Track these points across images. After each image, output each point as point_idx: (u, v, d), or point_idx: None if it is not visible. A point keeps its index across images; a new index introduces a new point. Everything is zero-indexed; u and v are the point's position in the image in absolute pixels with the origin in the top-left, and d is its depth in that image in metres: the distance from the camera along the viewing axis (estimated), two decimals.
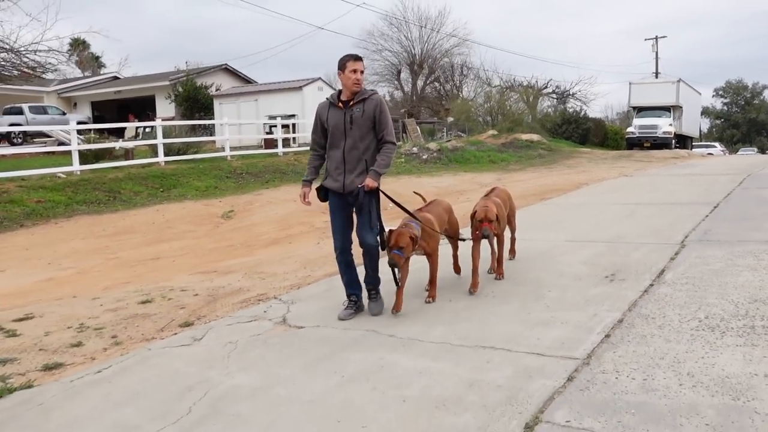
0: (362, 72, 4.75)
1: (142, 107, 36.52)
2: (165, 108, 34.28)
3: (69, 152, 21.76)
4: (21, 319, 5.71)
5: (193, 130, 23.68)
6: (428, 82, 51.94)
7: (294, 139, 26.44)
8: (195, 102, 32.59)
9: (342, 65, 4.75)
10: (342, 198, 4.80)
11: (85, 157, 17.20)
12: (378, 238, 4.82)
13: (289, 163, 20.66)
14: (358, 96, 4.75)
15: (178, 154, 19.37)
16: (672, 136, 33.56)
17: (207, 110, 32.50)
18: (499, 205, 5.73)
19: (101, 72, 48.65)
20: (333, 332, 4.67)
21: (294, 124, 27.04)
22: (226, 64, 37.56)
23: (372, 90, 4.89)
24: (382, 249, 4.85)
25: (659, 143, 32.63)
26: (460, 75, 50.92)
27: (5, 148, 25.46)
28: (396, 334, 4.51)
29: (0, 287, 7.72)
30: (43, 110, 31.10)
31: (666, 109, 35.15)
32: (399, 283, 4.95)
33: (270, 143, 24.10)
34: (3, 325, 5.51)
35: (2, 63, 23.43)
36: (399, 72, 51.26)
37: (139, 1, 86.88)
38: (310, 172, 5.01)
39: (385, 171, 4.77)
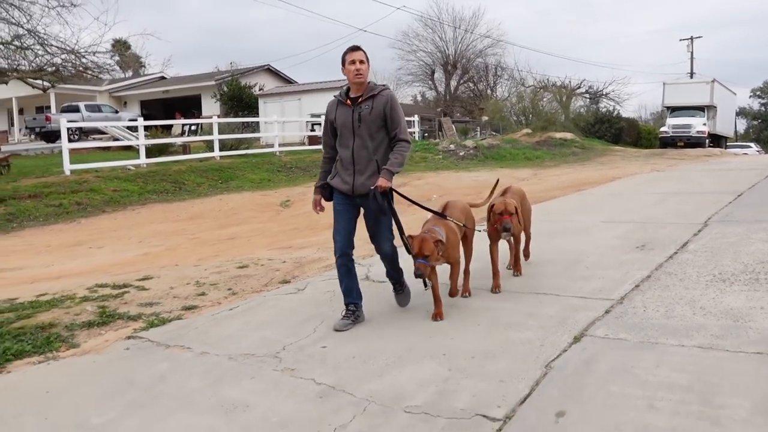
0: (363, 62, 4.38)
1: (187, 106, 38.08)
2: (210, 107, 35.78)
3: (124, 147, 23.30)
4: (143, 279, 6.87)
5: (243, 128, 24.93)
6: (461, 82, 52.79)
7: None
8: (239, 101, 34.00)
9: (342, 60, 4.46)
10: (350, 200, 4.52)
11: (149, 151, 18.54)
12: (403, 240, 4.48)
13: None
14: (367, 92, 4.44)
15: (231, 150, 20.65)
16: (706, 135, 33.92)
17: (250, 109, 33.86)
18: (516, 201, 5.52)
19: (143, 72, 50.51)
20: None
21: None
22: (268, 64, 38.96)
23: (383, 85, 4.56)
24: (409, 253, 4.46)
25: (693, 142, 33.02)
26: (494, 75, 51.71)
27: (72, 144, 27.09)
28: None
29: (106, 260, 8.95)
30: (97, 108, 32.79)
31: (700, 109, 35.49)
32: (432, 291, 4.66)
33: (314, 140, 25.29)
34: (131, 283, 6.67)
35: (63, 64, 25.05)
36: (433, 72, 52.17)
37: (176, 3, 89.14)
38: (321, 177, 4.70)
39: (399, 170, 4.41)
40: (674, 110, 36.38)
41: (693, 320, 4.22)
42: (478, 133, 37.41)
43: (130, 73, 51.35)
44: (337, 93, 4.61)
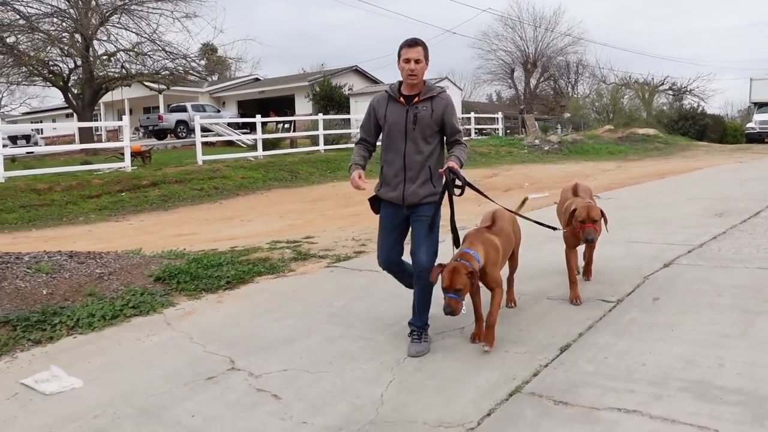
0: (419, 61, 3.86)
1: (280, 105, 40.61)
2: (303, 106, 38.17)
3: (226, 142, 25.88)
4: (307, 238, 8.68)
5: (342, 124, 26.92)
6: (541, 80, 53.56)
7: None
8: (330, 100, 36.14)
9: (398, 54, 3.94)
10: (398, 211, 4.03)
11: (263, 145, 20.68)
12: (453, 228, 4.03)
13: None
14: (424, 92, 3.96)
15: (333, 144, 22.64)
16: None
17: (340, 107, 35.96)
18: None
19: (230, 75, 53.74)
20: None
21: None
22: (356, 65, 41.04)
23: (440, 87, 4.12)
24: (456, 246, 4.04)
25: None
26: (575, 73, 52.24)
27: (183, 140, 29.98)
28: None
29: (261, 229, 10.88)
30: (202, 108, 35.68)
31: None
32: (474, 310, 4.14)
33: None
34: (300, 241, 8.49)
35: (176, 68, 27.83)
36: (512, 71, 53.23)
37: (259, 7, 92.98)
38: (359, 158, 4.17)
39: (463, 165, 3.94)
40: (761, 106, 36.15)
41: (756, 255, 5.64)
42: (559, 129, 38.29)
43: (216, 77, 54.77)
44: (386, 87, 4.13)
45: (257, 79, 45.60)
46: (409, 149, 3.94)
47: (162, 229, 10.97)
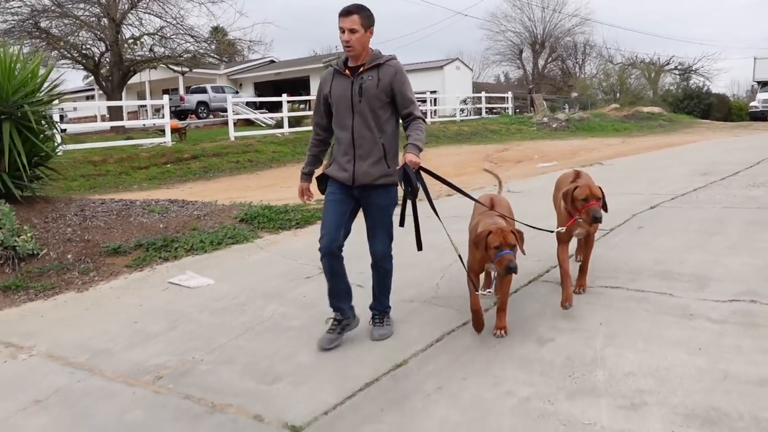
0: (354, 30, 3.51)
1: (294, 86, 41.81)
2: (317, 86, 39.39)
3: (245, 121, 27.24)
4: None
5: None
6: (549, 60, 54.48)
7: (435, 111, 30.46)
8: None
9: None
10: (346, 191, 3.68)
11: (282, 123, 21.98)
12: (416, 237, 3.67)
13: (438, 129, 24.69)
14: (369, 61, 3.59)
15: None
16: None
17: None
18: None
19: (249, 57, 54.84)
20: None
21: (435, 99, 31.08)
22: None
23: (389, 55, 3.71)
24: (419, 249, 3.69)
25: None
26: (582, 53, 53.16)
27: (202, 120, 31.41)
28: None
29: None
30: (221, 90, 36.97)
31: None
32: (496, 299, 3.82)
33: None
34: None
35: (198, 51, 29.14)
36: (521, 51, 54.14)
37: None
38: (309, 161, 3.90)
39: (422, 148, 3.52)
40: (765, 84, 37.14)
41: (725, 200, 7.01)
42: (567, 109, 39.38)
43: (227, 59, 55.90)
44: (334, 61, 3.70)
45: (272, 61, 46.73)
46: (357, 124, 3.55)
47: (213, 194, 12.33)
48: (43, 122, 6.40)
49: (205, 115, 35.08)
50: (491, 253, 3.42)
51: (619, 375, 3.14)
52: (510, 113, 32.43)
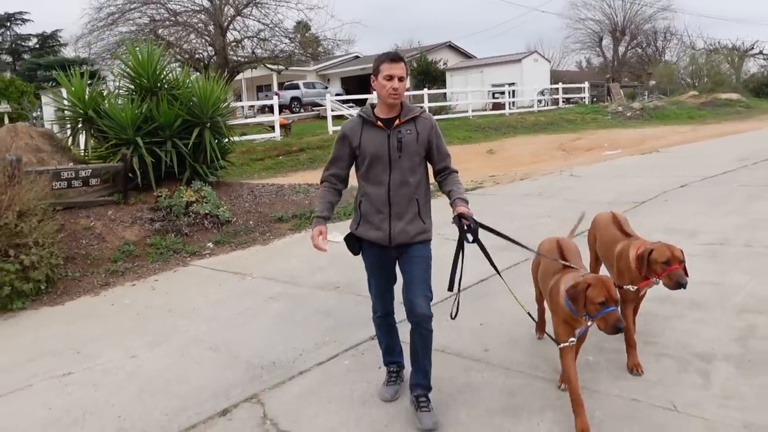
0: (402, 78, 3.26)
1: None
2: None
3: (336, 116, 29.81)
4: None
5: (440, 98, 30.21)
6: (629, 47, 54.62)
7: (514, 103, 32.10)
8: (427, 75, 39.48)
9: (376, 69, 3.32)
10: (384, 251, 3.44)
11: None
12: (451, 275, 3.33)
13: (516, 120, 26.47)
14: (405, 113, 3.36)
15: (436, 115, 26.07)
16: None
17: (436, 81, 39.22)
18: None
19: (333, 54, 57.73)
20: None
21: (514, 91, 32.73)
22: (450, 41, 44.04)
23: (419, 107, 3.54)
24: (453, 317, 3.34)
25: None
26: (663, 40, 53.07)
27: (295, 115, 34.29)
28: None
29: None
30: (312, 85, 39.96)
31: None
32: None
33: (497, 106, 30.11)
34: None
35: (293, 51, 31.98)
36: (600, 39, 54.57)
37: None
38: (324, 208, 3.55)
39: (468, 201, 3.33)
40: None
41: (744, 180, 8.79)
42: (646, 96, 39.95)
43: (311, 52, 58.97)
44: (358, 110, 3.55)
45: (357, 57, 49.38)
46: (394, 181, 3.31)
47: None
48: (223, 128, 8.91)
49: (298, 109, 38.02)
50: (592, 309, 2.93)
51: None
52: (586, 103, 33.67)
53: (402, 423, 3.37)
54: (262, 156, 18.14)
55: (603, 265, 4.23)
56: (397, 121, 3.32)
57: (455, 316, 3.36)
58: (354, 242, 3.54)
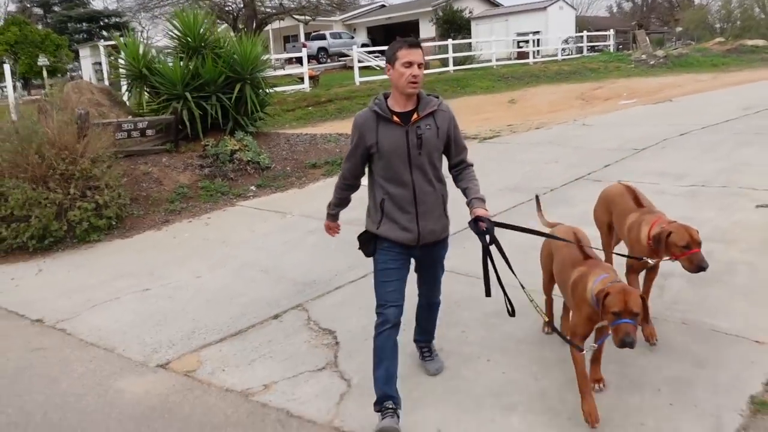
0: (422, 65, 3.06)
1: (405, 30, 44.39)
2: (427, 30, 41.81)
3: (363, 67, 30.35)
4: None
5: (466, 47, 30.54)
6: None
7: (538, 51, 32.29)
8: (452, 24, 39.57)
9: (392, 56, 3.08)
10: (406, 252, 3.27)
11: None
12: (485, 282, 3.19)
13: (539, 69, 26.83)
14: (423, 106, 3.12)
15: (460, 65, 26.55)
16: None
17: (461, 30, 39.33)
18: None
19: (359, 4, 57.61)
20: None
21: (538, 40, 32.86)
22: None
23: (434, 94, 3.25)
24: (512, 315, 3.18)
25: None
26: None
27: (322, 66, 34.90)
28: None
29: None
30: (338, 36, 40.38)
31: None
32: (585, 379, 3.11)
33: (522, 55, 30.41)
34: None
35: (320, 1, 32.44)
36: None
37: None
38: (337, 203, 3.54)
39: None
40: None
41: (741, 128, 9.46)
42: (674, 42, 39.64)
43: (341, 8, 58.79)
44: (369, 103, 3.22)
45: (383, 6, 49.40)
46: (417, 179, 3.15)
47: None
48: (261, 83, 9.80)
49: (325, 60, 38.52)
50: (607, 318, 2.84)
51: None
52: (611, 51, 33.69)
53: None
54: (293, 107, 19.01)
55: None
56: (415, 116, 3.10)
57: (513, 313, 3.17)
58: (370, 241, 3.30)
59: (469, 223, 3.14)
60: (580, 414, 3.09)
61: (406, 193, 3.16)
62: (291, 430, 3.30)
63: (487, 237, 3.10)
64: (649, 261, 3.54)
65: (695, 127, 9.97)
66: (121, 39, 9.13)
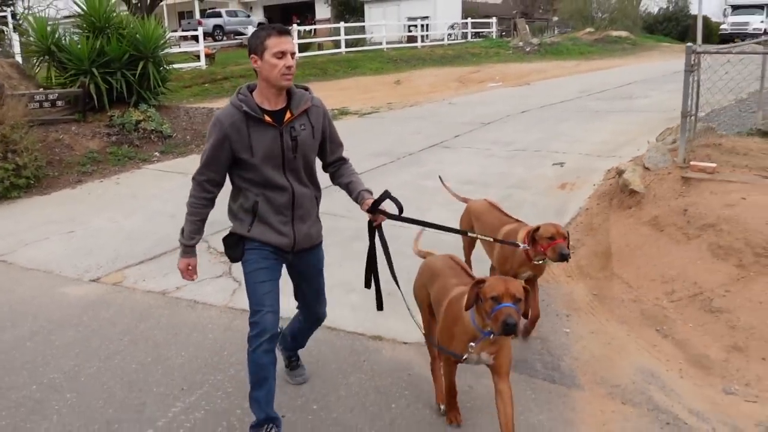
0: (294, 55, 2.74)
1: (301, 9, 45.34)
2: (322, 11, 42.97)
3: None
4: (344, 107, 14.53)
5: (357, 30, 32.02)
6: None
7: (427, 36, 34.27)
8: (346, 6, 40.94)
9: (260, 46, 2.72)
10: (279, 255, 2.97)
11: (297, 48, 26.08)
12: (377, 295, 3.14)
13: (426, 53, 28.76)
14: (296, 104, 2.83)
15: (352, 47, 28.04)
16: (762, 32, 37.88)
17: (354, 12, 40.79)
18: None
19: None
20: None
21: (427, 24, 34.86)
22: None
23: (303, 86, 2.95)
24: (380, 308, 3.14)
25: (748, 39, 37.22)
26: None
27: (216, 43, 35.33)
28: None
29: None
30: (234, 14, 40.76)
31: (760, 8, 39.54)
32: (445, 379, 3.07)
33: (411, 39, 32.32)
34: (341, 108, 14.36)
35: None
36: None
37: None
38: (193, 230, 3.02)
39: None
40: (736, 8, 40.53)
41: (565, 107, 11.53)
42: (553, 31, 42.75)
43: None
44: (232, 98, 2.87)
45: None
46: (294, 183, 2.88)
47: None
48: (162, 61, 10.92)
49: (220, 38, 38.86)
50: (487, 306, 2.60)
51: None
52: (493, 37, 36.28)
53: None
54: (189, 83, 19.87)
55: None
56: (288, 114, 2.80)
57: (381, 307, 3.16)
58: (237, 245, 2.97)
59: (370, 220, 3.00)
60: None
61: (284, 198, 2.88)
62: (198, 310, 4.74)
63: (377, 236, 3.02)
64: (520, 245, 3.71)
65: (535, 106, 12.02)
66: (29, 18, 9.99)
